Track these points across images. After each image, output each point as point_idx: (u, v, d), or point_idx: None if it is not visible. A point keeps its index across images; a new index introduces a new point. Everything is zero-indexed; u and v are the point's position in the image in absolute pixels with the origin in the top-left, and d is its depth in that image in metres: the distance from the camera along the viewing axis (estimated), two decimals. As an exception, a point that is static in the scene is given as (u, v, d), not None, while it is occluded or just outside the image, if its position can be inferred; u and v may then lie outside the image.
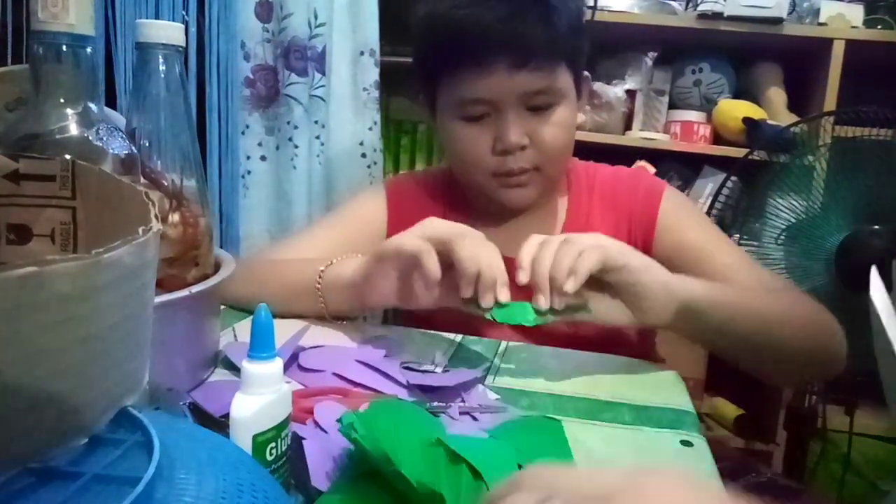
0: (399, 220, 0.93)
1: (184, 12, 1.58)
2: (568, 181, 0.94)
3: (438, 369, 0.67)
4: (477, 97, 0.81)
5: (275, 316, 0.41)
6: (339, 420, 0.44)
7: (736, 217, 1.46)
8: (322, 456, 0.45)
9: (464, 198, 0.93)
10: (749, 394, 1.73)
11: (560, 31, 0.80)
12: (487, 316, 0.65)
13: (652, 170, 1.69)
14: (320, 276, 0.77)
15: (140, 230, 0.29)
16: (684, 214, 0.90)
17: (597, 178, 0.95)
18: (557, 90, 0.82)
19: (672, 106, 1.77)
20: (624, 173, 0.96)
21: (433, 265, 0.65)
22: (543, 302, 0.64)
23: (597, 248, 0.64)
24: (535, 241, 0.68)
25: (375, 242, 0.90)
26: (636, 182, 0.93)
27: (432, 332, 0.82)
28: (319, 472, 0.44)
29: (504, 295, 0.65)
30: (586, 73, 0.91)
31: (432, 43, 0.85)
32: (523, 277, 0.65)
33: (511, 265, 0.67)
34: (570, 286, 0.63)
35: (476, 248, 0.65)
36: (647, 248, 0.86)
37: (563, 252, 0.64)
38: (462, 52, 0.80)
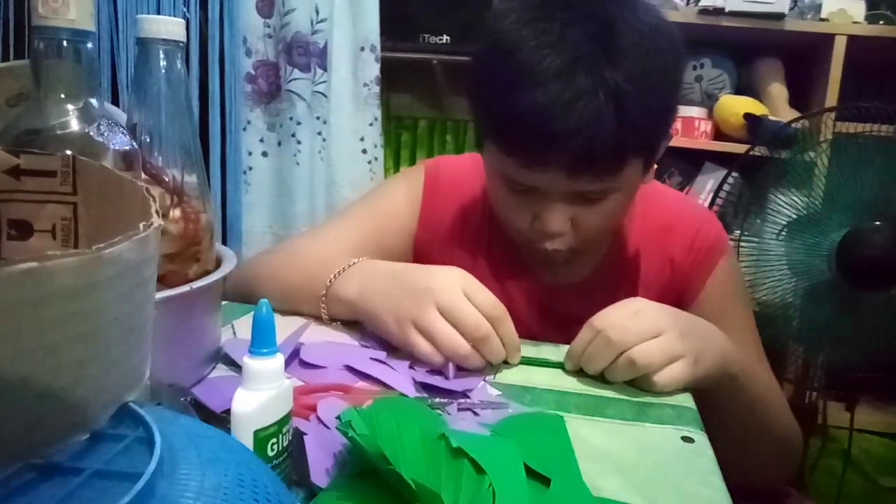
0: (431, 222, 0.91)
1: (185, 8, 1.58)
2: None
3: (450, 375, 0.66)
4: (525, 183, 0.72)
5: (276, 311, 0.41)
6: (338, 417, 0.44)
7: (737, 213, 1.45)
8: (323, 452, 0.45)
9: None
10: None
11: (639, 138, 0.68)
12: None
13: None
14: (324, 294, 0.75)
15: (141, 226, 0.29)
16: (731, 292, 0.87)
17: (651, 208, 0.88)
18: (617, 186, 0.72)
19: (673, 102, 1.77)
20: (686, 217, 0.88)
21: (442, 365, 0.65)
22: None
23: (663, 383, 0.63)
24: (586, 339, 0.66)
25: (404, 237, 0.91)
26: (698, 235, 0.86)
27: None
28: (319, 468, 0.44)
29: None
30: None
31: (487, 113, 0.73)
32: (570, 366, 0.68)
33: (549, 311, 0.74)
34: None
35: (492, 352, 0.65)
36: (679, 302, 0.84)
37: (620, 370, 0.64)
38: (519, 144, 0.69)
